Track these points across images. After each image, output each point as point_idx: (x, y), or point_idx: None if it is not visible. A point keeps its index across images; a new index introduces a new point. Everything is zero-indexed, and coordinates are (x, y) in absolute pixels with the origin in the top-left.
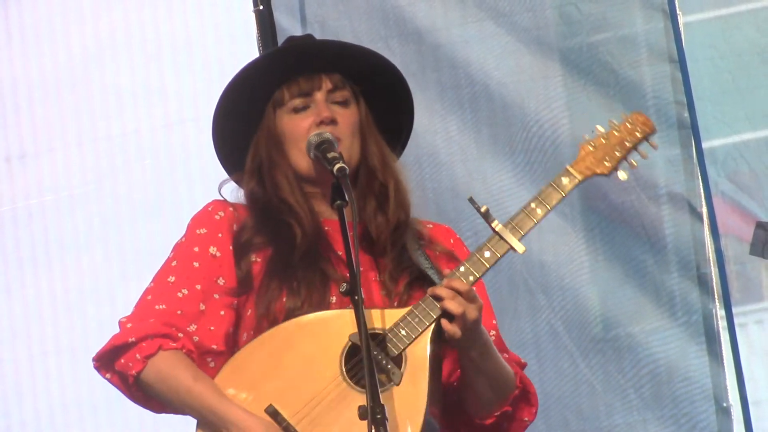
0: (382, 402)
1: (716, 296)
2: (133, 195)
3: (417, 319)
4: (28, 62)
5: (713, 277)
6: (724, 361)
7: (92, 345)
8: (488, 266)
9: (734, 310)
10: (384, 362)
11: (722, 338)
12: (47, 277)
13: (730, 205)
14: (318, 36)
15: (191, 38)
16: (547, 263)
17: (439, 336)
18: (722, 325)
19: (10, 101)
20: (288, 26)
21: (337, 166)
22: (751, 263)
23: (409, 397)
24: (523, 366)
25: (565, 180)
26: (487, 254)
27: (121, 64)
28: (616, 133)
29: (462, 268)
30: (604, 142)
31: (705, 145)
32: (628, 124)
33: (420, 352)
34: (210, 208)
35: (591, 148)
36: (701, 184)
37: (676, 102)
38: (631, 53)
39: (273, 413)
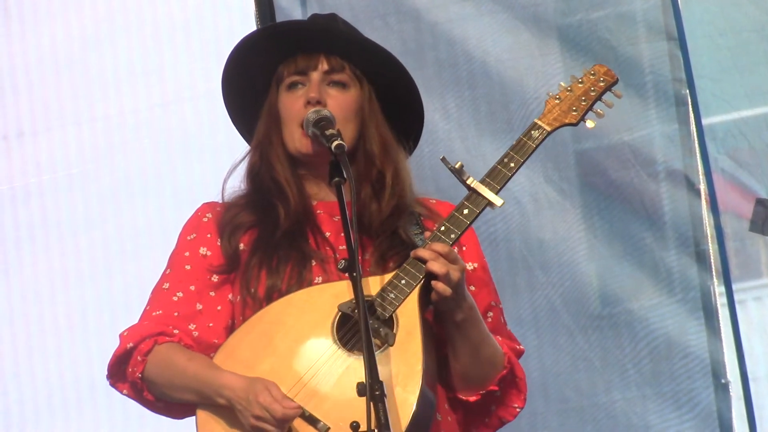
0: (378, 363)
1: (714, 273)
2: (130, 174)
3: (404, 281)
4: (27, 41)
5: (711, 254)
6: (723, 338)
7: (89, 324)
8: (468, 222)
9: (733, 286)
10: (376, 326)
11: (721, 315)
12: (45, 257)
13: (730, 181)
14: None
15: (189, 17)
16: (545, 240)
17: (426, 299)
18: (720, 301)
19: (8, 80)
20: (286, 5)
21: (335, 143)
22: (750, 240)
23: (405, 355)
24: (519, 352)
25: (535, 133)
26: (465, 211)
27: (119, 44)
28: (580, 85)
29: (443, 228)
30: (569, 93)
31: (704, 122)
32: (591, 75)
33: (410, 312)
34: (198, 213)
35: (557, 101)
36: (700, 160)
37: (674, 79)
38: (629, 30)
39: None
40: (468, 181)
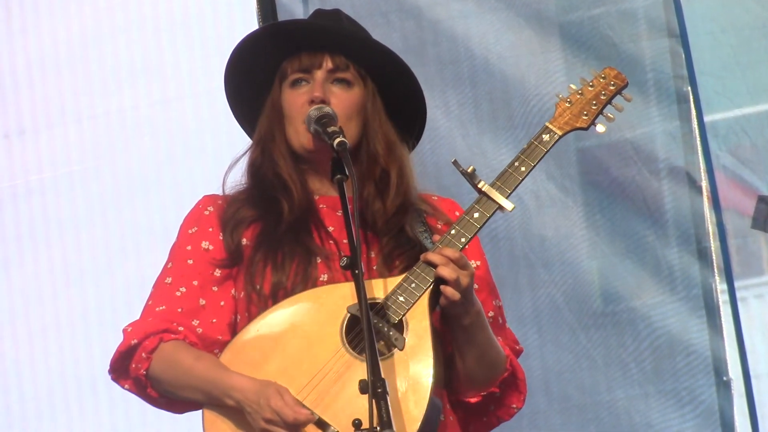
0: (388, 368)
1: (716, 270)
2: (131, 171)
3: (413, 285)
4: (27, 38)
5: (713, 251)
6: (725, 335)
7: (91, 321)
8: (478, 226)
9: (735, 284)
10: (386, 330)
11: (722, 312)
12: (46, 254)
13: (732, 179)
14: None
15: (189, 14)
16: (547, 237)
17: (434, 303)
18: (722, 299)
19: (9, 78)
20: (288, 1)
21: (337, 140)
22: (752, 237)
23: (415, 360)
24: (518, 352)
25: (546, 137)
26: (476, 215)
27: (120, 41)
28: (590, 88)
29: (453, 231)
30: (579, 97)
31: (706, 119)
32: (601, 79)
33: (420, 316)
34: (200, 206)
35: (568, 105)
36: (702, 158)
37: (676, 76)
38: (630, 27)
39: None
40: (479, 185)
